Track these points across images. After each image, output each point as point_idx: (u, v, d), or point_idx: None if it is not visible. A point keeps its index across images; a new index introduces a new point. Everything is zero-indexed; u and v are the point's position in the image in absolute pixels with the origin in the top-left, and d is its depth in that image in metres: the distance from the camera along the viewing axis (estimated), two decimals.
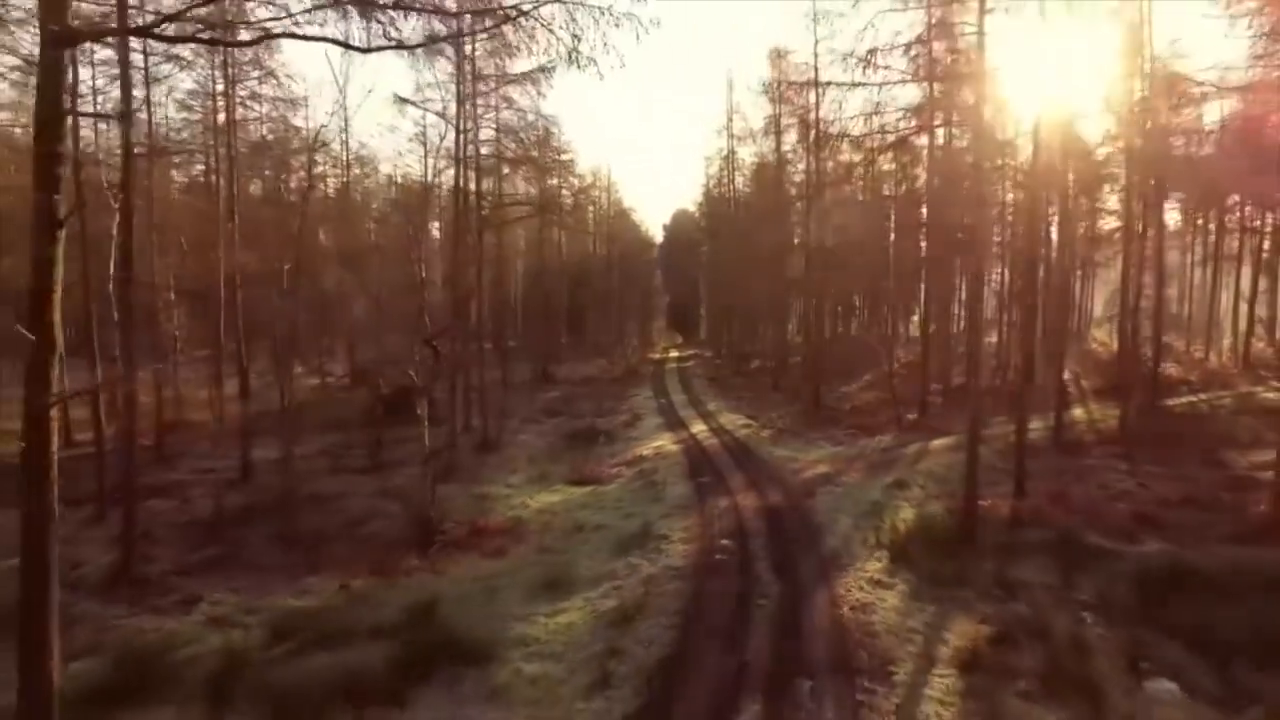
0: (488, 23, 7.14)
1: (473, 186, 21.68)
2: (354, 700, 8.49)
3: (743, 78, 76.63)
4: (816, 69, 27.43)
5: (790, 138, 35.39)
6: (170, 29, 6.67)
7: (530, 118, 22.41)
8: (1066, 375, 32.92)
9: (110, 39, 12.99)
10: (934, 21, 13.97)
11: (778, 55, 30.46)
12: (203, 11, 6.47)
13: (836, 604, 10.72)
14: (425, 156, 32.11)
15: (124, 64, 11.91)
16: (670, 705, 8.14)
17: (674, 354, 58.10)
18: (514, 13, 7.16)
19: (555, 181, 28.05)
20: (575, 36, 7.36)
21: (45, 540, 6.63)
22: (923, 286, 33.28)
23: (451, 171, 22.12)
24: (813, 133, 29.98)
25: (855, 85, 14.75)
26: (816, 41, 24.08)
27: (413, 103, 19.38)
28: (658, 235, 77.42)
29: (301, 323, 29.34)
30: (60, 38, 5.94)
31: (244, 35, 6.61)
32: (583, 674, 8.95)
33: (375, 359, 39.35)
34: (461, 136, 19.17)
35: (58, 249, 6.39)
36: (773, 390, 34.47)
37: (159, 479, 19.27)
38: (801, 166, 35.55)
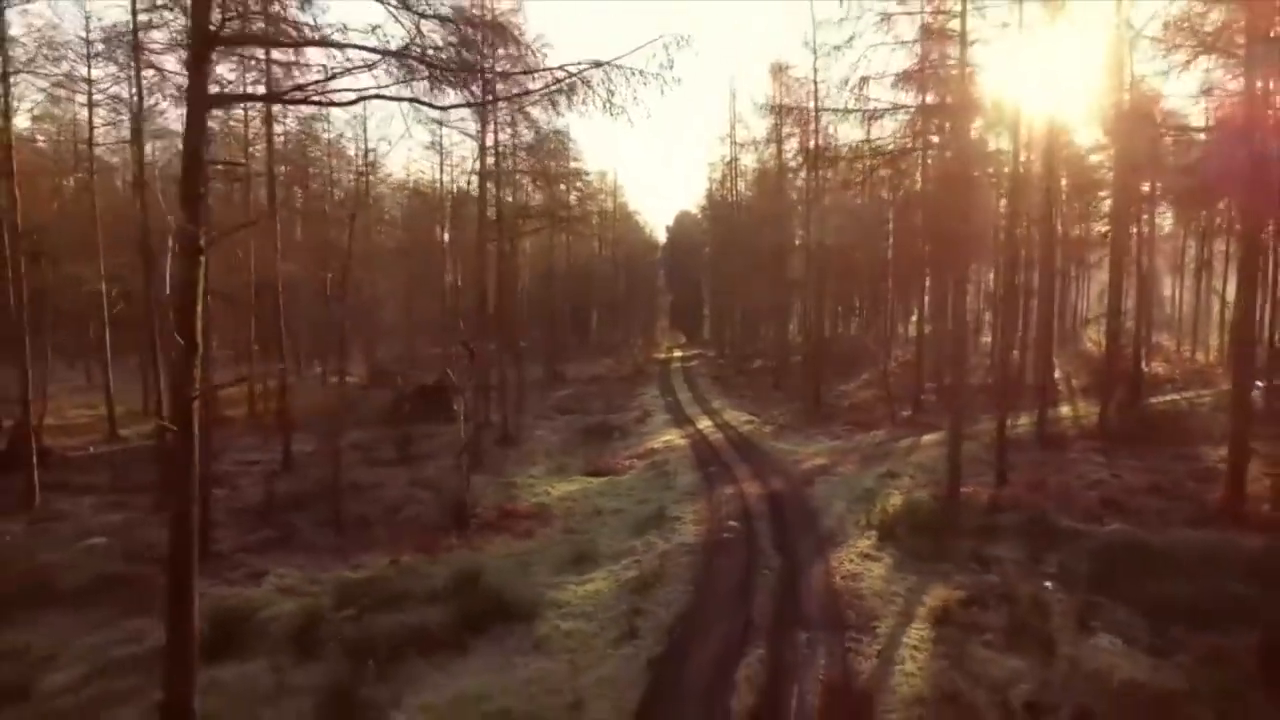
0: (540, 84, 8.56)
1: (488, 197, 23.22)
2: (420, 649, 10.05)
3: (745, 83, 78.29)
4: (816, 84, 29.02)
5: (791, 145, 36.91)
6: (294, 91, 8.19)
7: (544, 129, 23.88)
8: (1058, 374, 34.54)
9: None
10: (920, 55, 15.45)
11: (778, 70, 31.98)
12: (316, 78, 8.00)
13: (830, 574, 12.26)
14: (441, 165, 33.78)
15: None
16: (688, 651, 9.69)
17: (678, 354, 59.54)
18: (562, 74, 8.65)
19: (564, 188, 29.56)
20: (610, 91, 8.90)
21: (188, 507, 8.18)
22: (926, 285, 34.82)
23: (465, 181, 23.58)
24: (812, 141, 31.59)
25: (849, 111, 16.26)
26: (816, 58, 25.59)
27: (442, 122, 20.94)
28: (661, 236, 78.98)
29: (321, 324, 30.89)
30: (210, 101, 7.47)
31: (349, 97, 8.09)
32: (612, 629, 10.50)
33: (394, 359, 41.10)
34: (484, 152, 20.71)
35: (199, 271, 7.93)
36: (774, 389, 35.96)
37: (208, 470, 20.81)
38: (802, 174, 36.98)
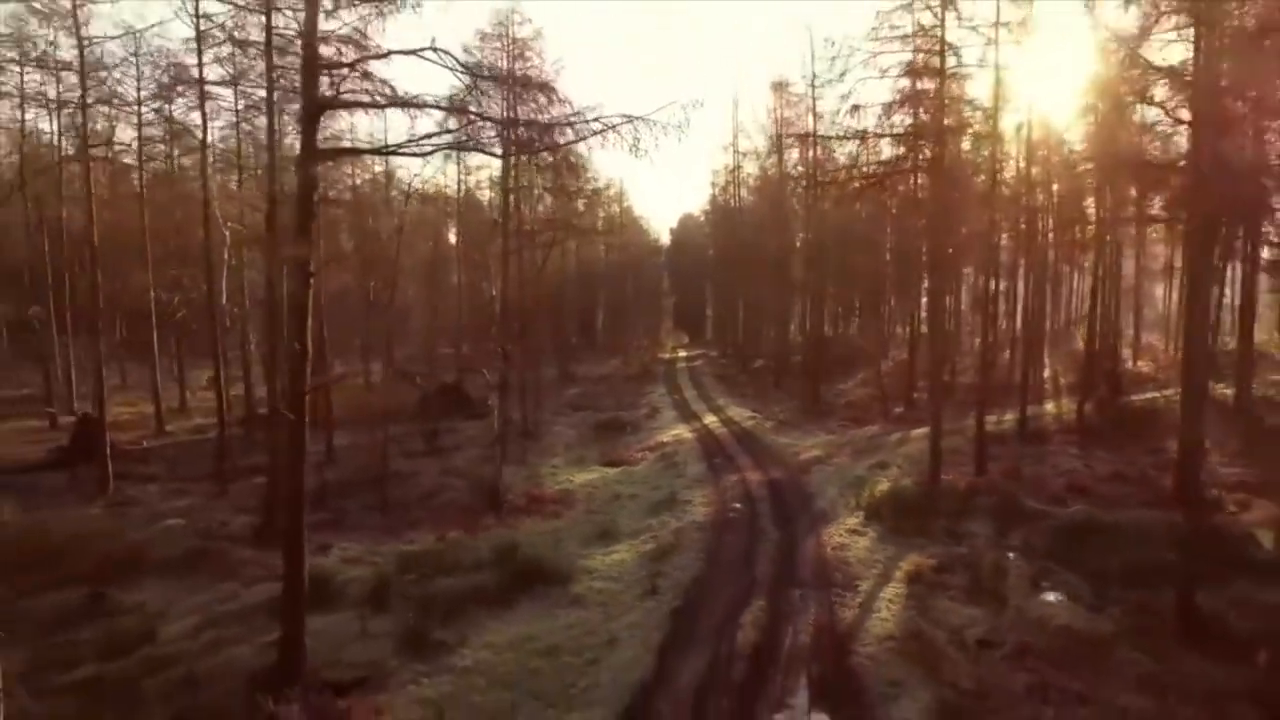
0: (583, 133, 10.45)
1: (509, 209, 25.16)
2: (476, 603, 12.01)
3: (748, 91, 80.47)
4: (814, 99, 30.94)
5: (792, 155, 38.81)
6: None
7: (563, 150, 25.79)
8: (1047, 373, 36.44)
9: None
10: (906, 87, 17.35)
11: (779, 87, 33.90)
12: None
13: (821, 545, 14.21)
14: (460, 177, 35.74)
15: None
16: (701, 604, 11.63)
17: (682, 354, 61.41)
18: (599, 125, 10.57)
19: (580, 202, 31.51)
20: (636, 138, 10.83)
21: (300, 481, 10.15)
22: (922, 289, 36.67)
23: (474, 183, 25.39)
24: (811, 152, 33.52)
25: (843, 139, 18.19)
26: (813, 88, 27.52)
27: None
28: (664, 238, 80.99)
29: (342, 325, 32.83)
30: (320, 154, 9.39)
31: (428, 148, 10.02)
32: (636, 588, 12.44)
33: (408, 359, 43.06)
34: (508, 173, 22.58)
35: (309, 291, 9.87)
36: (775, 387, 37.87)
37: (257, 460, 22.81)
38: (802, 182, 38.83)
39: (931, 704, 8.74)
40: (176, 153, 26.11)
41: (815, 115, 29.45)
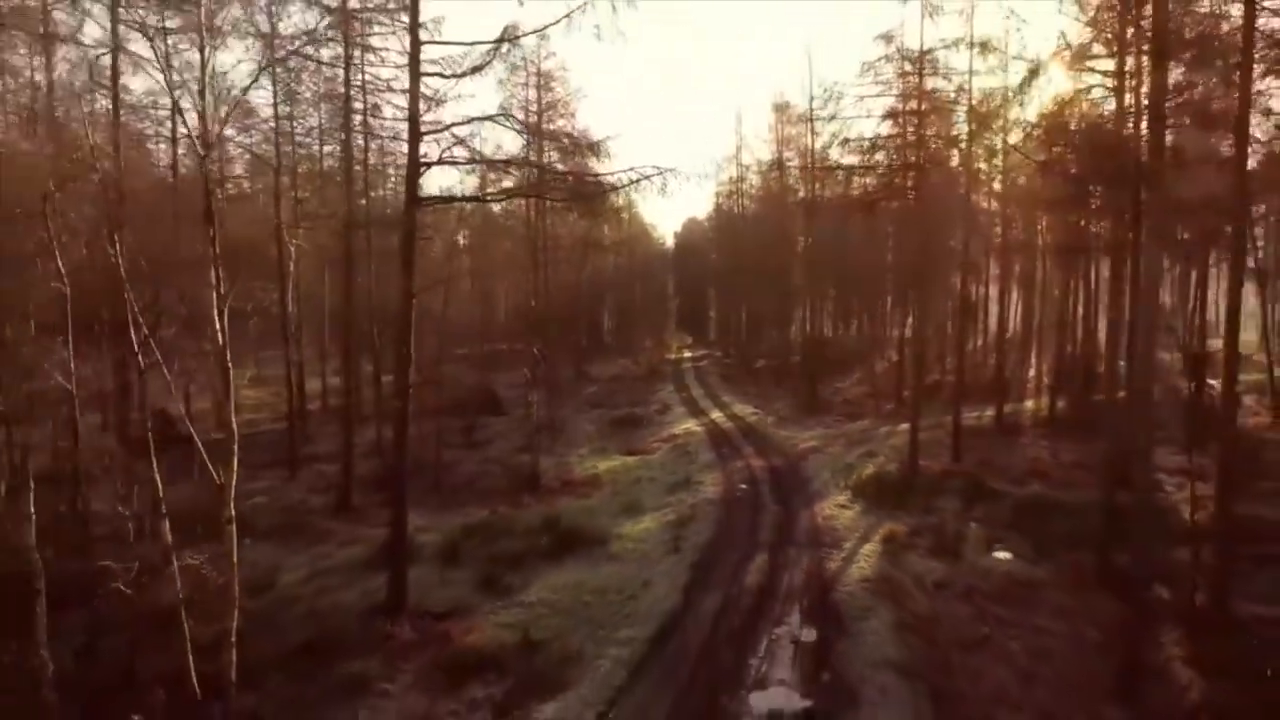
0: (623, 181, 13.20)
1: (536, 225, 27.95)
2: (532, 559, 14.82)
3: (752, 100, 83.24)
4: (812, 120, 33.68)
5: (793, 165, 41.52)
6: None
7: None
8: (1033, 372, 39.18)
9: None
10: (883, 130, 20.16)
11: (779, 108, 36.66)
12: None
13: (814, 516, 17.00)
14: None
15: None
16: (715, 558, 14.42)
17: (687, 354, 64.08)
18: (637, 175, 13.32)
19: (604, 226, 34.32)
20: (664, 182, 13.62)
21: (404, 459, 12.99)
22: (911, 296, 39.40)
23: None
24: (810, 171, 36.26)
25: (836, 168, 20.99)
26: (811, 123, 30.31)
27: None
28: (668, 240, 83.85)
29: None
30: (421, 201, 12.17)
31: (502, 197, 12.79)
32: (662, 548, 15.25)
33: (427, 359, 45.89)
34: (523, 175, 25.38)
35: (412, 312, 12.66)
36: (776, 386, 40.61)
37: (313, 450, 25.67)
38: (803, 193, 41.55)
39: (893, 623, 11.52)
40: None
41: (814, 134, 32.18)
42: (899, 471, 20.83)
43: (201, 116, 9.13)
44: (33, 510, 9.76)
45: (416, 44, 12.40)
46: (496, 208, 39.60)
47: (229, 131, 23.71)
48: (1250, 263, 30.82)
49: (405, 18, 12.20)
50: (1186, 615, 12.14)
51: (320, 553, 16.34)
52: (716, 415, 31.62)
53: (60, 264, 9.81)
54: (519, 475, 22.23)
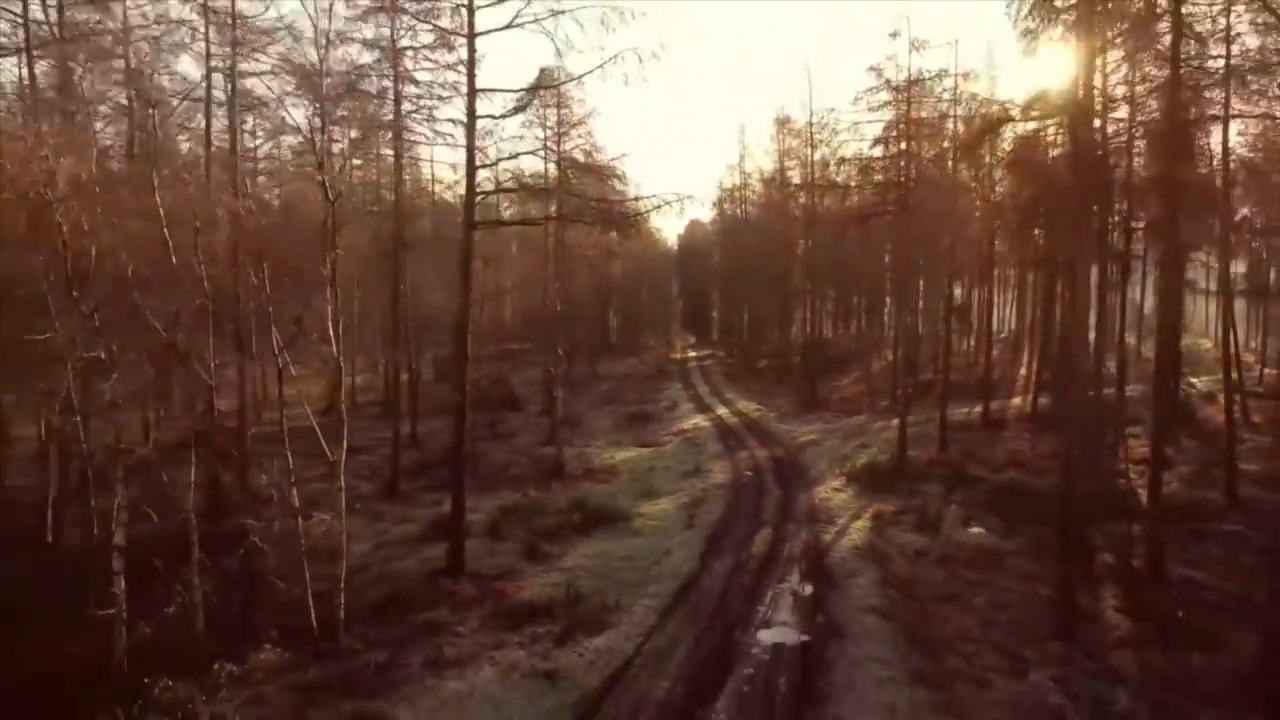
0: (647, 207, 15.39)
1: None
2: (566, 532, 17.06)
3: (755, 105, 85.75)
4: (812, 134, 35.89)
5: (795, 174, 43.67)
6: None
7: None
8: (1023, 371, 41.36)
9: None
10: (875, 153, 22.39)
11: (781, 122, 38.88)
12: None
13: (812, 499, 19.24)
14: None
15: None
16: (726, 531, 16.65)
17: (691, 354, 66.23)
18: (658, 200, 15.51)
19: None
20: (683, 206, 15.83)
21: (461, 440, 15.19)
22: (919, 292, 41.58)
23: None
24: (811, 177, 38.45)
25: (833, 186, 23.20)
26: (812, 143, 32.53)
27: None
28: (672, 240, 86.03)
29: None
30: (476, 224, 14.41)
31: (540, 219, 15.03)
32: (679, 524, 17.49)
33: (446, 359, 48.16)
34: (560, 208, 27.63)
35: (469, 319, 14.87)
36: (777, 384, 42.84)
37: (351, 443, 27.87)
38: (802, 197, 43.67)
39: (877, 580, 13.75)
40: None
41: (813, 148, 34.37)
42: (889, 461, 23.04)
43: (321, 165, 11.32)
44: (193, 479, 12.02)
45: (473, 94, 14.58)
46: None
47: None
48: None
49: (464, 70, 14.31)
50: (1125, 576, 14.36)
51: (379, 529, 18.58)
52: (722, 411, 33.85)
53: (205, 284, 12.03)
54: (544, 464, 24.45)
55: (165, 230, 11.47)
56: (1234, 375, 29.86)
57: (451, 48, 14.76)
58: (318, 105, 18.42)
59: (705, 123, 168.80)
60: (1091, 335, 35.66)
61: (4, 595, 13.05)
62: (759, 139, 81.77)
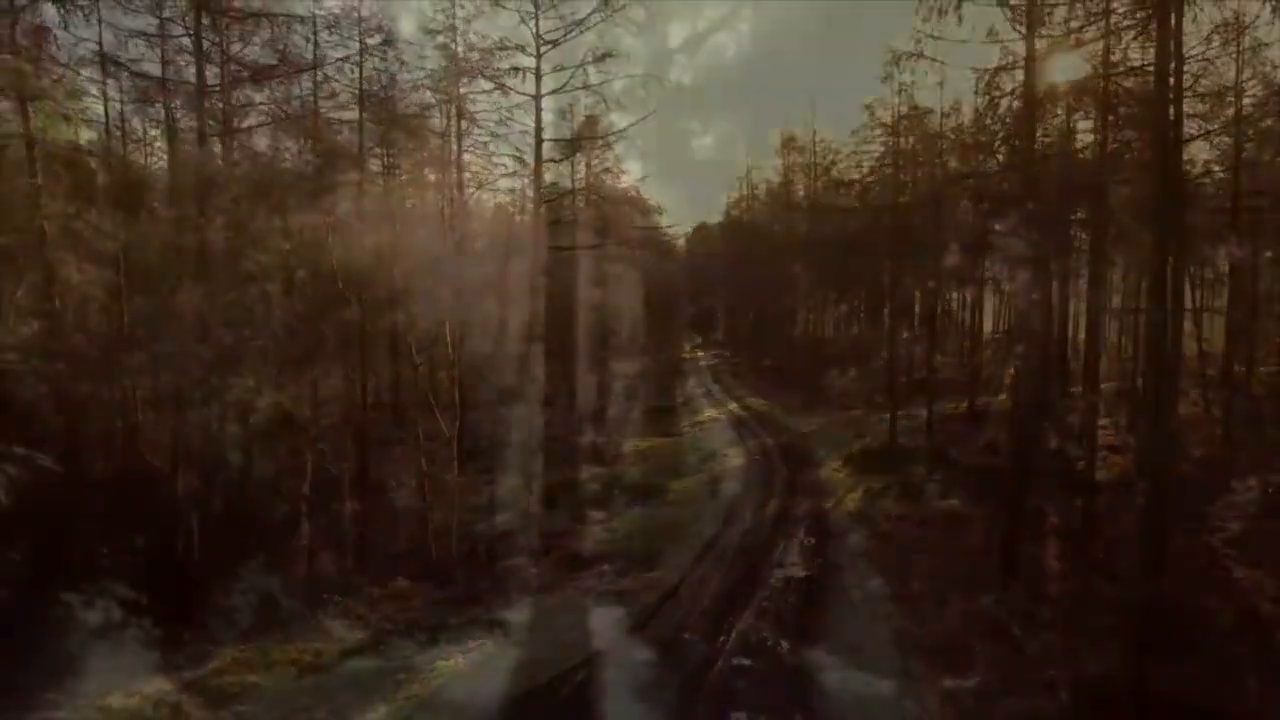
0: (681, 231, 18.85)
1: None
2: (609, 503, 20.62)
3: (760, 114, 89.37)
4: (815, 150, 39.34)
5: (800, 189, 47.05)
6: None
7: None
8: (1013, 370, 44.72)
9: None
10: (872, 177, 25.87)
11: (786, 141, 42.33)
12: None
13: (815, 477, 22.82)
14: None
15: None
16: (743, 503, 20.19)
17: (700, 354, 69.69)
18: (690, 228, 19.03)
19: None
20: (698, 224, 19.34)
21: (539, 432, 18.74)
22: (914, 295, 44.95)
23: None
24: (814, 191, 41.91)
25: (832, 209, 26.68)
26: (815, 139, 36.03)
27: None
28: (680, 243, 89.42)
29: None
30: (550, 249, 17.92)
31: (598, 243, 18.50)
32: (704, 496, 21.10)
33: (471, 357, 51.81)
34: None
35: (542, 323, 18.40)
36: (783, 382, 46.27)
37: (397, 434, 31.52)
38: (807, 208, 46.93)
39: (866, 536, 17.31)
40: None
41: (815, 172, 37.85)
42: (881, 447, 26.55)
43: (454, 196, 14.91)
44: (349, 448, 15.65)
45: (540, 142, 18.12)
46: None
47: None
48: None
49: (531, 120, 17.85)
50: (1066, 534, 17.87)
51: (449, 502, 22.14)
52: (733, 406, 37.42)
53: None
54: (579, 449, 28.01)
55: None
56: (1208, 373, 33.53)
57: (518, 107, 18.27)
58: None
59: (714, 137, 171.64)
60: (1082, 335, 39.49)
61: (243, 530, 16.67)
62: (766, 154, 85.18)
